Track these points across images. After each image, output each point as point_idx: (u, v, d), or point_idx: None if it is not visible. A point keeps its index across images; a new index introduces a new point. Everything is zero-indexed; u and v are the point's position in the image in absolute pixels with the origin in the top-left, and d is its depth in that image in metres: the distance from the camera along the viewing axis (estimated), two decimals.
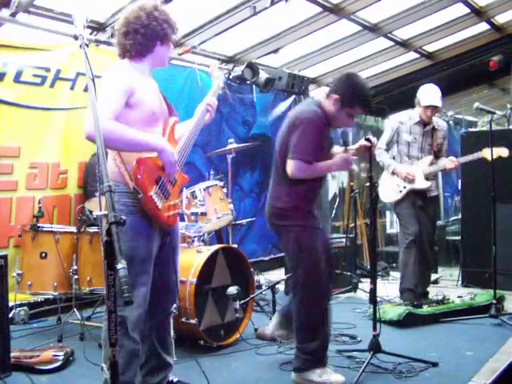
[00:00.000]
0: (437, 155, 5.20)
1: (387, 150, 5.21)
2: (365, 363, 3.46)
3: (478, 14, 6.79)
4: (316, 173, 3.38)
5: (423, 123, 5.14)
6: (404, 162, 5.15)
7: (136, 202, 2.65)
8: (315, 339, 3.32)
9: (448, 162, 5.00)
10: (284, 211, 3.40)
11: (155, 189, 2.67)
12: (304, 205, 3.40)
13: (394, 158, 5.22)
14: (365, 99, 3.37)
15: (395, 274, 5.49)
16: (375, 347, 3.57)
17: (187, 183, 3.15)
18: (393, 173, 5.12)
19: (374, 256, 4.01)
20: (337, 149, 3.74)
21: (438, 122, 5.28)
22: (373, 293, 3.78)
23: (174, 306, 3.17)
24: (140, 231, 2.68)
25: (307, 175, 3.34)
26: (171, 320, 3.18)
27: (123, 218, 1.68)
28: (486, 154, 4.86)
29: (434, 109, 5.08)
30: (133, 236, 2.64)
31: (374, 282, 3.80)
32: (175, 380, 3.12)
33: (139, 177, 2.62)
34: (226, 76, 6.82)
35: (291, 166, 3.29)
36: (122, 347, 2.62)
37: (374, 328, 3.61)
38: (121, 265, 1.60)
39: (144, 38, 2.75)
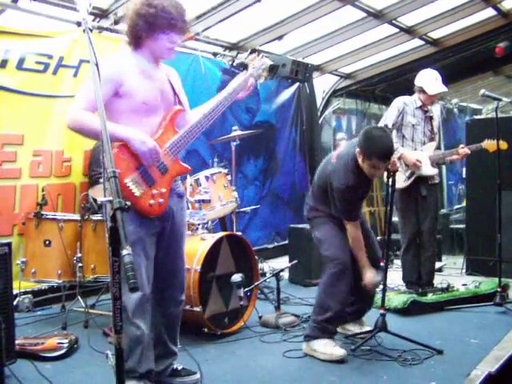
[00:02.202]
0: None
1: (390, 131, 5.06)
2: (369, 337, 3.69)
3: None
4: (359, 244, 3.71)
5: (424, 109, 5.10)
6: (406, 147, 5.03)
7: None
8: (326, 313, 3.65)
9: (465, 150, 4.95)
10: (314, 215, 3.92)
11: (133, 176, 2.68)
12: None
13: None
14: (378, 150, 3.54)
15: (399, 262, 5.49)
16: (382, 326, 3.69)
17: (188, 172, 3.11)
18: (399, 158, 5.03)
19: (389, 230, 4.00)
20: None
21: (434, 110, 5.25)
22: (384, 271, 3.85)
23: (183, 295, 3.12)
24: (129, 216, 2.64)
25: (357, 240, 3.70)
26: (181, 308, 3.13)
27: (128, 203, 1.67)
28: (487, 145, 4.88)
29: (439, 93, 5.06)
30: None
31: (385, 260, 3.90)
32: (180, 367, 3.12)
33: (115, 164, 2.60)
34: (230, 63, 6.79)
35: (349, 225, 3.70)
36: (124, 334, 2.62)
37: (382, 307, 3.75)
38: (126, 251, 1.59)
39: (136, 29, 2.77)
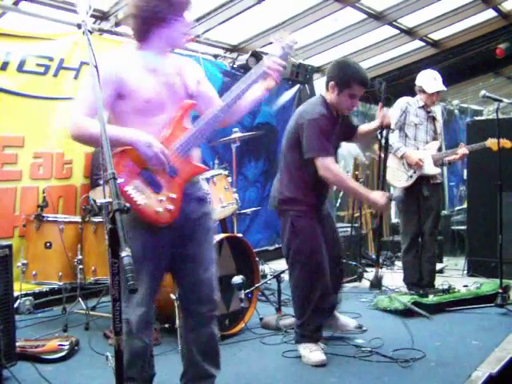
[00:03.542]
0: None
1: (393, 131, 4.95)
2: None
3: (485, 0, 6.73)
4: (344, 181, 3.50)
5: (427, 110, 5.11)
6: (409, 146, 5.06)
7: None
8: (302, 317, 3.62)
9: (463, 149, 4.98)
10: (284, 200, 3.65)
11: (136, 183, 2.46)
12: (303, 196, 3.60)
13: None
14: (358, 75, 3.49)
15: (400, 264, 5.49)
16: (376, 284, 3.71)
17: (203, 172, 2.73)
18: (401, 157, 5.03)
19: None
20: None
21: (436, 113, 5.27)
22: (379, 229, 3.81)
23: (214, 311, 2.77)
24: (134, 228, 2.49)
25: (335, 178, 3.46)
26: (214, 326, 2.78)
27: (127, 205, 1.66)
28: (491, 144, 4.89)
29: (439, 93, 5.08)
30: (128, 234, 2.46)
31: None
32: None
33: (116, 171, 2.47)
34: (231, 65, 6.79)
35: (318, 167, 3.43)
36: (126, 345, 2.53)
37: (377, 264, 3.74)
38: (125, 252, 1.58)
39: (138, 21, 2.56)
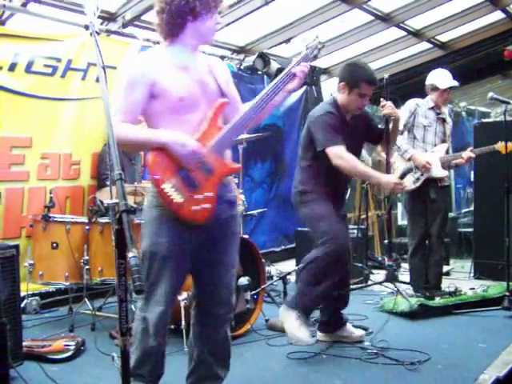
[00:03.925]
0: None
1: (402, 133, 4.99)
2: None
3: (493, 2, 6.71)
4: (356, 167, 3.61)
5: (436, 111, 5.09)
6: (417, 148, 5.04)
7: (157, 194, 2.49)
8: (308, 297, 3.68)
9: (467, 153, 4.97)
10: (299, 192, 3.85)
11: (172, 181, 2.44)
12: (314, 186, 3.78)
13: None
14: (366, 74, 3.70)
15: (407, 266, 5.47)
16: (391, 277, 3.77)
17: (236, 172, 2.76)
18: (409, 159, 5.01)
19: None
20: None
21: (447, 116, 5.26)
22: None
23: (230, 314, 2.80)
24: (161, 225, 2.50)
25: (347, 164, 3.57)
26: (228, 328, 2.81)
27: (134, 206, 1.66)
28: (500, 147, 4.87)
29: (450, 90, 5.06)
30: (154, 230, 2.51)
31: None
32: None
33: (152, 169, 2.46)
34: (237, 66, 6.79)
35: (330, 156, 3.59)
36: (140, 343, 2.57)
37: (390, 258, 3.80)
38: (132, 253, 1.58)
39: (169, 16, 2.51)
